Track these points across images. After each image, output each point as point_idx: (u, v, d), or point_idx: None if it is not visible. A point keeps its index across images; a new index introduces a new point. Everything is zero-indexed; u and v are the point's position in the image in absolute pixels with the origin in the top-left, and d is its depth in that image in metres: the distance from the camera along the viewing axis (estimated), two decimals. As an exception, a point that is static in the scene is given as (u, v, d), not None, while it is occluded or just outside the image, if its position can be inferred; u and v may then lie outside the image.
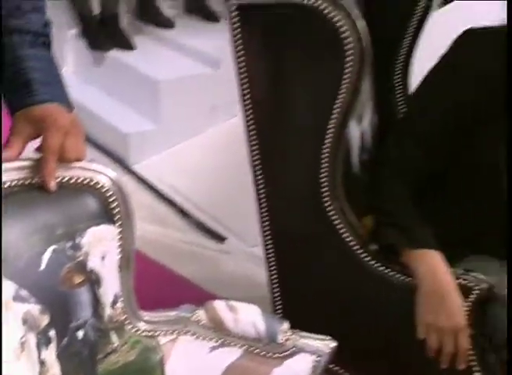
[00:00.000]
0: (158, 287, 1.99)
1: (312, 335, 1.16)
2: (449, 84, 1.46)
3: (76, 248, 0.96)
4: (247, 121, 1.43)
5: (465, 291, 1.32)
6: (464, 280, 1.34)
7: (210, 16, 3.57)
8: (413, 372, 1.45)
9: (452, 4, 2.20)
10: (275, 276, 1.57)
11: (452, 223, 1.46)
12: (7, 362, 0.86)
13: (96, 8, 3.40)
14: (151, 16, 3.47)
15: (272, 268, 1.55)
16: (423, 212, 1.42)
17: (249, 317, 1.14)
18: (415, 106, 1.57)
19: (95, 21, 3.40)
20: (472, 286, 1.34)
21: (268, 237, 1.53)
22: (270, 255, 1.56)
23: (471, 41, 1.45)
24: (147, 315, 1.11)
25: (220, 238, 2.45)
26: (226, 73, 3.13)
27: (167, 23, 3.45)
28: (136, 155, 2.84)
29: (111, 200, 0.99)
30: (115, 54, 3.28)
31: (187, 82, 2.99)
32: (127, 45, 3.21)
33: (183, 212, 2.52)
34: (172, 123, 2.84)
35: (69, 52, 3.31)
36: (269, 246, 1.53)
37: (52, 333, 0.93)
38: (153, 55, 3.18)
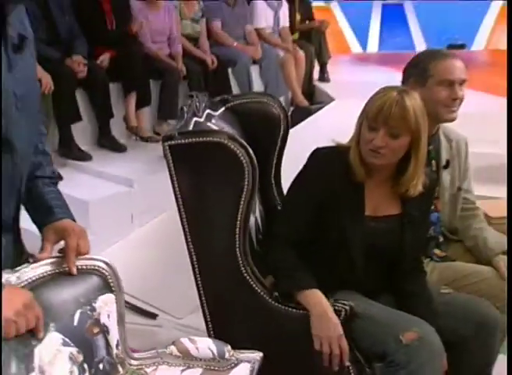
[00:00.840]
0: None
1: (246, 351, 1.52)
2: (305, 187, 1.87)
3: (93, 310, 1.34)
4: (182, 219, 1.78)
5: (336, 312, 1.73)
6: (334, 305, 1.74)
7: (119, 148, 4.02)
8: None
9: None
10: (209, 321, 1.87)
11: (326, 272, 1.83)
12: None
13: None
14: (72, 153, 3.80)
15: (208, 318, 1.88)
16: (307, 266, 1.81)
17: (205, 344, 1.51)
18: (286, 202, 1.99)
19: None
20: (340, 309, 1.73)
21: (201, 287, 1.85)
22: (204, 306, 1.86)
23: (318, 158, 1.87)
24: (136, 354, 1.47)
25: (152, 316, 2.80)
26: (140, 190, 3.58)
27: (86, 157, 3.81)
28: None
29: (108, 277, 1.39)
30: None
31: (109, 200, 3.35)
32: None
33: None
34: (102, 233, 3.15)
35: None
36: (203, 297, 1.85)
37: (86, 365, 1.29)
38: (79, 182, 3.49)
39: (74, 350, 1.27)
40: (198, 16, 5.01)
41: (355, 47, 9.92)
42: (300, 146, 2.14)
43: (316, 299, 1.75)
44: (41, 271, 1.27)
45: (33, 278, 1.26)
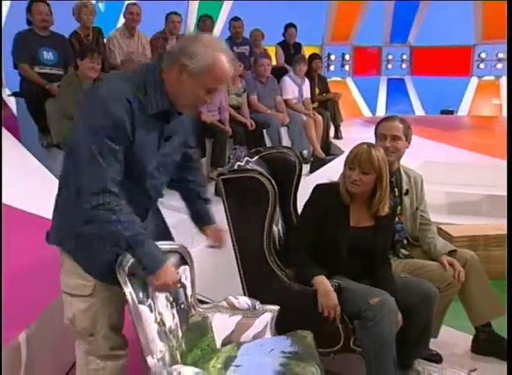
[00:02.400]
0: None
1: (269, 305, 2.00)
2: (310, 209, 2.33)
3: (177, 273, 1.83)
4: (230, 231, 2.25)
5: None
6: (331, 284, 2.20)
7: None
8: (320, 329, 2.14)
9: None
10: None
11: (325, 265, 2.26)
12: (161, 307, 1.74)
13: None
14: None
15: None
16: (316, 261, 2.26)
17: (244, 299, 1.99)
18: (299, 221, 2.44)
19: None
20: (333, 285, 2.19)
21: (242, 277, 2.30)
22: (245, 289, 2.30)
23: (319, 189, 2.34)
24: (201, 305, 1.98)
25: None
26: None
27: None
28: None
29: (184, 255, 1.90)
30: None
31: (175, 226, 3.80)
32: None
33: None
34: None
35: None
36: (244, 283, 2.31)
37: (174, 303, 1.81)
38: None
39: (168, 293, 1.80)
40: (241, 91, 5.33)
41: (366, 112, 10.13)
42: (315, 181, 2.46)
43: (322, 282, 2.20)
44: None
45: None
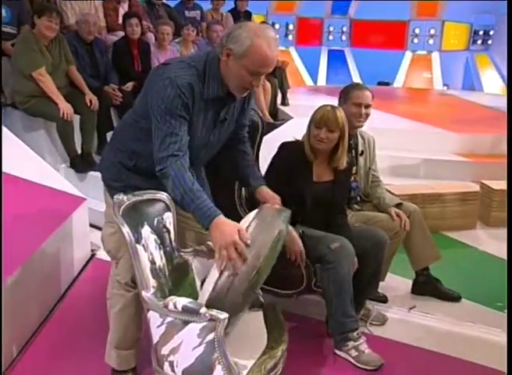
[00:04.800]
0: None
1: None
2: (276, 166, 2.48)
3: (162, 219, 1.96)
4: None
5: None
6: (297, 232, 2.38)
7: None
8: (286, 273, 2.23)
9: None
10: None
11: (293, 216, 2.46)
12: (152, 248, 1.87)
13: (78, 149, 4.09)
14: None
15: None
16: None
17: None
18: (266, 178, 2.43)
19: (79, 158, 4.04)
20: (298, 232, 2.38)
21: None
22: None
23: (285, 147, 2.51)
24: (182, 249, 2.11)
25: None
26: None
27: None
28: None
29: (168, 203, 2.00)
30: (92, 173, 3.94)
31: None
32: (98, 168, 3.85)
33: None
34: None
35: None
36: None
37: (161, 246, 1.92)
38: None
39: (156, 237, 1.91)
40: (193, 55, 5.51)
41: (308, 81, 10.35)
42: (266, 149, 2.64)
43: (290, 231, 2.28)
44: (139, 198, 1.91)
45: (135, 199, 1.89)
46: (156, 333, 1.76)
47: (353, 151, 2.83)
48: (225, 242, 1.71)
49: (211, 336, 1.68)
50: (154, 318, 1.76)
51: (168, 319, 1.72)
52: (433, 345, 2.49)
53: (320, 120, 2.41)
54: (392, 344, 2.51)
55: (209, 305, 1.69)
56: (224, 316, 1.66)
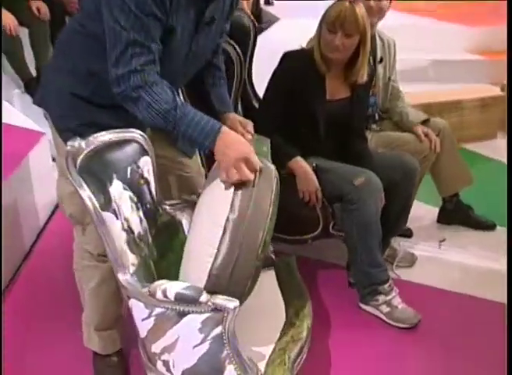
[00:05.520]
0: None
1: None
2: (280, 81, 1.97)
3: (138, 167, 1.45)
4: None
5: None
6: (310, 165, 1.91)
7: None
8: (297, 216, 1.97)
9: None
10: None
11: (302, 145, 1.95)
12: (126, 211, 1.37)
13: (33, 72, 3.44)
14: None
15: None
16: (288, 142, 1.93)
17: None
18: (266, 96, 2.04)
19: (34, 81, 3.36)
20: (311, 164, 1.92)
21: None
22: None
23: (290, 56, 1.97)
24: (167, 201, 1.59)
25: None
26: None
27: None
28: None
29: (144, 144, 1.47)
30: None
31: None
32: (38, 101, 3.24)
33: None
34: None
35: (16, 105, 3.15)
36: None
37: (139, 204, 1.42)
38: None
39: (131, 193, 1.40)
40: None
41: None
42: (256, 56, 2.21)
43: (300, 164, 1.90)
44: (102, 139, 1.36)
45: (97, 144, 1.34)
46: (143, 328, 1.31)
47: (371, 58, 2.26)
48: (236, 157, 1.26)
49: (217, 330, 1.23)
50: (138, 308, 1.29)
51: (158, 310, 1.26)
52: (473, 288, 2.10)
53: (334, 22, 1.83)
54: (424, 289, 2.12)
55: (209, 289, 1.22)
56: (234, 304, 1.20)
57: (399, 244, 2.26)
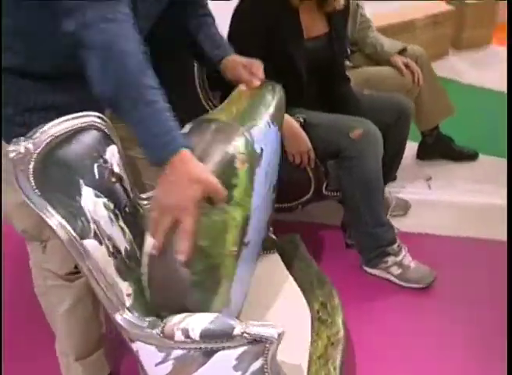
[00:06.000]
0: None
1: None
2: (249, 19, 1.61)
3: (105, 162, 1.10)
4: None
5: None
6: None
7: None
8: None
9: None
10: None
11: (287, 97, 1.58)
12: (106, 227, 1.04)
13: None
14: None
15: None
16: None
17: None
18: (236, 38, 1.56)
19: None
20: (298, 119, 1.63)
21: None
22: None
23: None
24: (143, 194, 1.28)
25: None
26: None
27: None
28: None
29: (106, 130, 1.13)
30: None
31: None
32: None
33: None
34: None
35: None
36: None
37: (117, 211, 1.09)
38: None
39: (105, 200, 1.07)
40: None
41: None
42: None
43: (287, 120, 1.56)
44: (53, 132, 1.00)
45: (48, 140, 0.98)
46: (155, 373, 1.01)
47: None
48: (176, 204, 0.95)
49: (257, 364, 0.97)
50: (147, 352, 0.99)
51: (177, 352, 0.97)
52: (471, 229, 1.96)
53: None
54: (421, 238, 1.94)
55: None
56: (278, 330, 0.93)
57: (389, 192, 2.05)
